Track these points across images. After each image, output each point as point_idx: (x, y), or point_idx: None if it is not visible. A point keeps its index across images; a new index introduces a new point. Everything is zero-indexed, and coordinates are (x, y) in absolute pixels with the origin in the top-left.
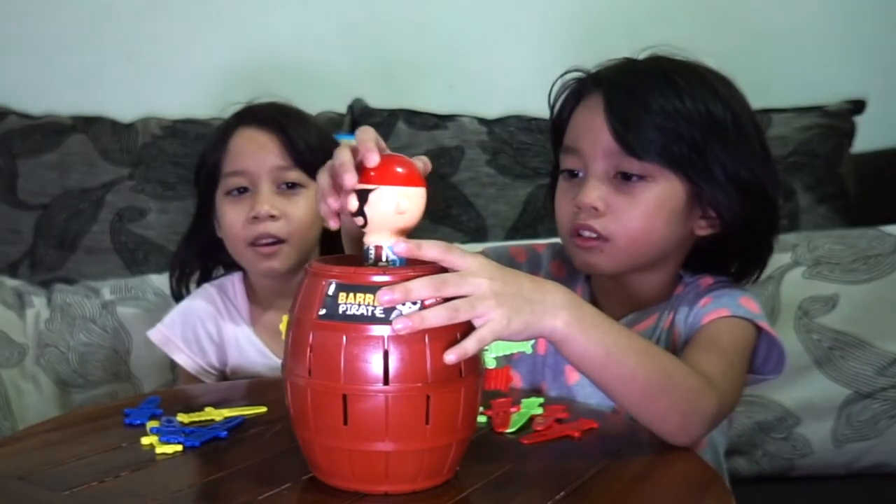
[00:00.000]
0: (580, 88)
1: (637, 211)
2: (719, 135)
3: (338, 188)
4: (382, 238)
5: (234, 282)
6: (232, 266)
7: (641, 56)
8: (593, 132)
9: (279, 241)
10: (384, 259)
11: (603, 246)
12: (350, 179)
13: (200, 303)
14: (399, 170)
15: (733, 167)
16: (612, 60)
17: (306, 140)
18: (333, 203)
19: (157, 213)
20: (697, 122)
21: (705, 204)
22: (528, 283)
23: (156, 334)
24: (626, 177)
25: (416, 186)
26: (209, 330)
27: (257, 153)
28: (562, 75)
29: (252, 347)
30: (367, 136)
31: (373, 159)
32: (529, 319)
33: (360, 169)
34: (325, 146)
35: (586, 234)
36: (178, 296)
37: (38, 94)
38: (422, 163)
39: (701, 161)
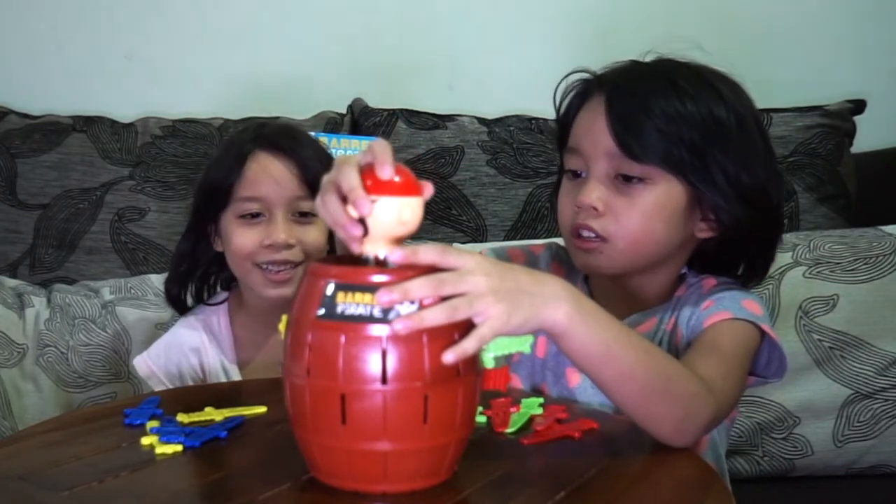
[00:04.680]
0: (585, 90)
1: (636, 212)
2: (722, 139)
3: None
4: (381, 247)
5: (219, 317)
6: (227, 280)
7: (648, 59)
8: (594, 134)
9: (294, 265)
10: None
11: (602, 247)
12: (366, 207)
13: (185, 337)
14: (400, 180)
15: (735, 172)
16: (618, 63)
17: (318, 168)
18: (356, 231)
19: (157, 213)
20: (699, 125)
21: (706, 207)
22: (525, 276)
23: (141, 365)
24: (626, 178)
25: (416, 196)
26: (193, 365)
27: (275, 182)
28: (566, 76)
29: None
30: (384, 148)
31: (387, 172)
32: (529, 313)
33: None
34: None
35: (586, 234)
36: (179, 305)
37: (37, 93)
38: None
39: (701, 165)
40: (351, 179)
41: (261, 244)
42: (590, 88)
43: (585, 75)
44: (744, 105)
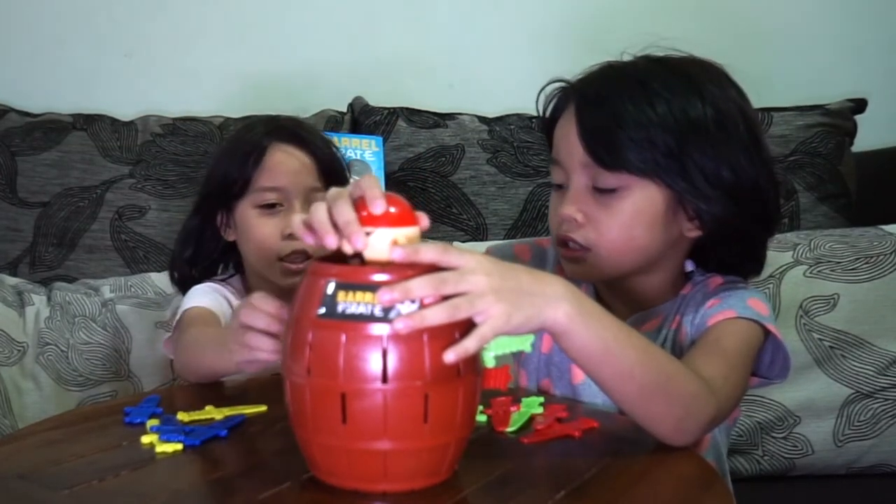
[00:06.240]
0: (561, 100)
1: (614, 221)
2: (698, 138)
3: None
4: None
5: (233, 286)
6: (235, 266)
7: (625, 58)
8: (570, 146)
9: (307, 256)
10: None
11: (586, 256)
12: (360, 242)
13: (204, 286)
14: (395, 211)
15: (715, 170)
16: (593, 67)
17: (332, 162)
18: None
19: (157, 212)
20: (672, 127)
21: (689, 207)
22: (526, 276)
23: (195, 300)
24: (602, 188)
25: (411, 227)
26: (227, 296)
27: (295, 172)
28: (543, 87)
29: None
30: (373, 182)
31: (379, 206)
32: (530, 313)
33: (354, 208)
34: (340, 165)
35: (571, 245)
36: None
37: (37, 91)
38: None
39: (678, 167)
40: (346, 213)
41: (281, 234)
42: (565, 98)
43: (561, 84)
44: (727, 97)
